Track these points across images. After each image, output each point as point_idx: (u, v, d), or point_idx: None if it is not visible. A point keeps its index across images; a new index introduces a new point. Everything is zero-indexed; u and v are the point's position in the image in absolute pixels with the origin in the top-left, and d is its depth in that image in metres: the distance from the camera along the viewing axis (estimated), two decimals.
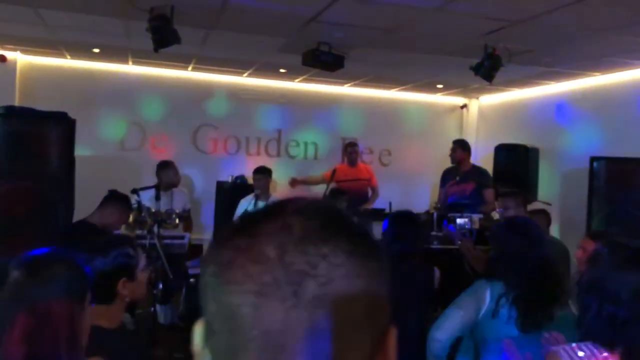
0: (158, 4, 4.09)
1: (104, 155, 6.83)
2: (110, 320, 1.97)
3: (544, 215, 5.13)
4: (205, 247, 6.74)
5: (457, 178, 6.04)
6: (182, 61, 6.54)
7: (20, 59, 6.63)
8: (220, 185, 6.89)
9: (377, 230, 3.61)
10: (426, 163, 7.76)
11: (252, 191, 5.90)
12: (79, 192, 5.42)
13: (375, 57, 5.56)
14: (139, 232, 4.79)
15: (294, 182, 7.05)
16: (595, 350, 1.59)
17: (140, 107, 7.07)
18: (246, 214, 0.61)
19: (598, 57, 5.20)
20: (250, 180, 6.33)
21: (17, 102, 6.56)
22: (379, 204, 6.84)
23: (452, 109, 8.37)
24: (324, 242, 0.55)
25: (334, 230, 0.57)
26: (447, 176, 6.27)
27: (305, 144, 7.76)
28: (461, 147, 6.15)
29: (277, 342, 0.53)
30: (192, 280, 5.30)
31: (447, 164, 6.39)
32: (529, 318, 2.48)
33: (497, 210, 4.62)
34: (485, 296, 2.54)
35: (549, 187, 6.33)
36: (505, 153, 6.39)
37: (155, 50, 4.15)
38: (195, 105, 7.22)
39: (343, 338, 0.53)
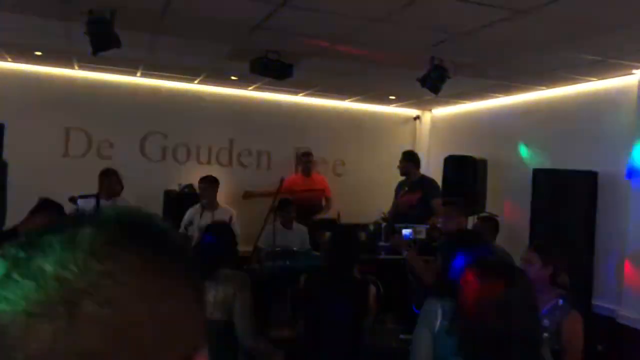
0: (98, 7, 3.96)
1: (46, 162, 6.58)
2: None
3: (492, 223, 5.20)
4: None
5: (406, 188, 6.09)
6: (129, 66, 6.38)
7: None
8: (167, 194, 6.74)
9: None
10: (379, 173, 7.77)
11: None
12: (18, 199, 5.20)
13: (324, 67, 5.53)
14: None
15: (246, 195, 6.96)
16: None
17: (86, 112, 6.85)
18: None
19: (542, 71, 5.30)
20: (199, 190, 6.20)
21: None
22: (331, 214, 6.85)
23: (406, 120, 8.43)
24: (111, 258, 0.49)
25: (125, 244, 0.50)
26: (399, 188, 6.35)
27: (258, 152, 7.67)
28: (408, 159, 6.23)
29: None
30: None
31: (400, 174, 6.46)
32: None
33: (439, 219, 4.64)
34: (437, 314, 2.46)
35: (496, 198, 6.41)
36: (454, 164, 6.45)
37: (94, 53, 4.01)
38: (144, 112, 7.05)
39: None
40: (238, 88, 7.28)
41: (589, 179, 4.81)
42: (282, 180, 5.43)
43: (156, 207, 6.80)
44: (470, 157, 6.32)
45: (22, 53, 6.09)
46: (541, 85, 5.96)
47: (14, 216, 4.91)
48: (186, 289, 0.53)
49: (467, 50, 4.65)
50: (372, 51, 4.87)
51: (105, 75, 6.84)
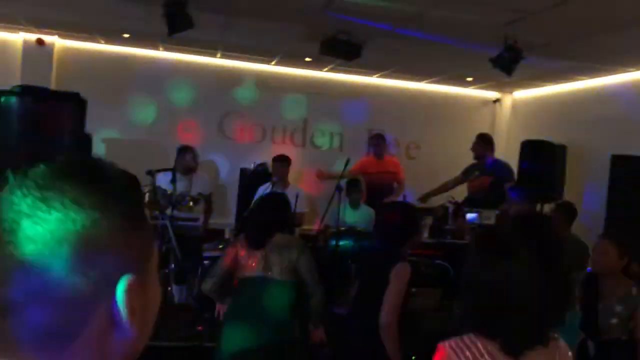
0: None
1: (133, 139, 7.03)
2: None
3: (568, 210, 5.00)
4: (227, 231, 6.89)
5: (477, 172, 5.96)
6: (209, 47, 6.65)
7: (57, 42, 6.88)
8: (243, 171, 7.00)
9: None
10: (455, 157, 7.59)
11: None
12: None
13: (394, 47, 5.51)
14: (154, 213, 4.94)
15: (319, 174, 7.01)
16: (476, 340, 1.59)
17: (171, 92, 7.22)
18: None
19: (624, 52, 4.99)
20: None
21: (53, 85, 6.83)
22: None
23: (484, 103, 8.20)
24: (48, 187, 0.58)
25: (65, 177, 0.60)
26: (469, 170, 6.22)
27: (331, 134, 7.77)
28: (482, 141, 6.07)
29: None
30: (206, 262, 5.41)
31: None
32: None
33: (504, 205, 4.54)
34: None
35: (575, 185, 6.14)
36: (531, 149, 6.21)
37: (169, 34, 4.25)
38: (223, 92, 7.33)
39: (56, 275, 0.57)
40: (313, 69, 7.37)
41: None
42: (347, 161, 5.47)
43: (233, 184, 7.10)
44: (548, 142, 6.07)
45: (113, 36, 6.51)
46: (628, 66, 5.61)
47: None
48: (114, 216, 0.61)
49: (541, 30, 4.48)
50: (443, 31, 4.79)
51: (187, 56, 7.17)
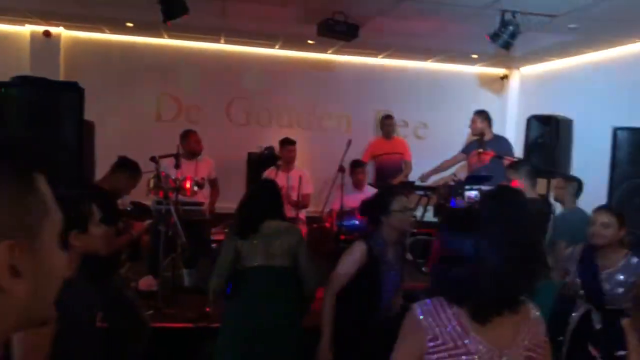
0: None
1: (141, 127, 7.13)
2: None
3: (573, 185, 4.96)
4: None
5: (477, 149, 5.98)
6: (212, 34, 6.70)
7: (64, 34, 6.99)
8: (250, 156, 7.06)
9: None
10: (463, 136, 7.59)
11: None
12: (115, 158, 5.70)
13: (393, 27, 5.48)
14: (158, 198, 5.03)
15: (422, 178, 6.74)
16: (445, 303, 1.64)
17: (176, 79, 7.30)
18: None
19: (632, 21, 4.90)
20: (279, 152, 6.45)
21: (61, 76, 6.96)
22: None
23: (492, 79, 8.12)
24: None
25: None
26: (469, 147, 6.23)
27: (338, 116, 7.77)
28: (481, 118, 6.08)
29: None
30: (213, 245, 5.50)
31: None
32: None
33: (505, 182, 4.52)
34: None
35: (583, 160, 6.08)
36: (537, 125, 6.16)
37: (164, 21, 4.29)
38: (229, 77, 7.38)
39: None
40: (317, 52, 7.37)
41: None
42: (349, 142, 5.50)
43: (240, 168, 7.17)
44: (554, 116, 6.01)
45: (116, 25, 6.59)
46: (634, 37, 5.51)
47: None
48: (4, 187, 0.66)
49: (540, 3, 4.42)
50: (439, 8, 4.76)
51: (192, 43, 7.23)
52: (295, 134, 7.16)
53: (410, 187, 6.54)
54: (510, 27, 4.64)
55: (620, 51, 5.96)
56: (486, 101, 7.87)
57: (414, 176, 6.95)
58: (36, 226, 0.70)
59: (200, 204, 5.31)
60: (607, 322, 3.10)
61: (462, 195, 4.66)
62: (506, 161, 5.62)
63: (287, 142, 6.22)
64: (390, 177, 6.80)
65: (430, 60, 7.67)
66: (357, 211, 3.73)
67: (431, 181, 6.57)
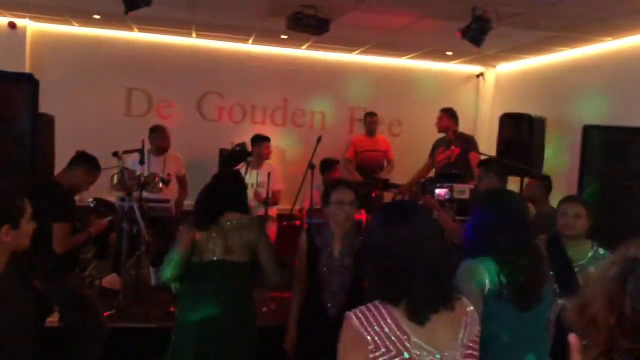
0: None
1: (110, 122, 6.96)
2: None
3: (544, 183, 4.96)
4: None
5: (443, 147, 5.98)
6: (183, 27, 6.56)
7: (30, 26, 6.80)
8: (222, 152, 6.93)
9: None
10: (438, 134, 7.54)
11: None
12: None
13: (365, 22, 5.40)
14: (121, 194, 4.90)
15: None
16: (380, 307, 1.57)
17: (147, 74, 7.15)
18: None
19: (602, 19, 4.87)
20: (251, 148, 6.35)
21: (27, 69, 6.76)
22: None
23: (468, 78, 8.08)
24: None
25: None
26: (435, 146, 6.22)
27: (312, 113, 7.68)
28: (447, 115, 6.07)
29: None
30: None
31: None
32: (526, 295, 2.23)
33: (477, 181, 4.48)
34: (484, 276, 2.23)
35: (557, 158, 6.07)
36: (510, 123, 6.13)
37: (126, 12, 4.16)
38: (201, 72, 7.24)
39: None
40: (291, 47, 7.27)
41: None
42: (319, 139, 5.42)
43: (212, 165, 7.02)
44: (527, 115, 5.98)
45: (84, 17, 6.41)
46: (606, 35, 5.49)
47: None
48: None
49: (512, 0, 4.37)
50: (409, 3, 4.68)
51: (163, 37, 7.08)
52: (269, 131, 7.08)
53: (385, 185, 6.48)
54: (482, 23, 4.58)
55: (595, 49, 5.94)
56: (461, 99, 7.86)
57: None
58: None
59: (167, 201, 5.18)
60: None
61: (432, 193, 4.58)
62: (472, 158, 5.60)
63: (262, 139, 6.12)
64: (371, 174, 6.76)
65: (405, 58, 7.61)
66: None
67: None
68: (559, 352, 2.83)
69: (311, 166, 5.30)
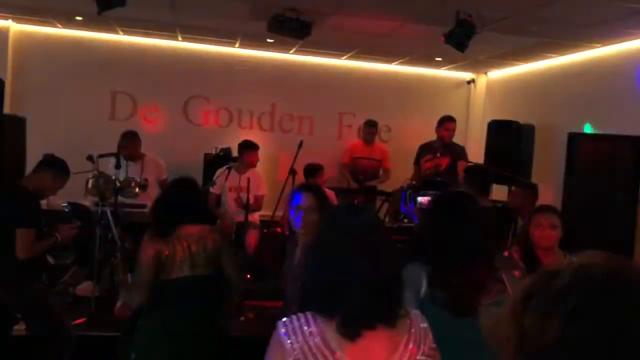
0: None
1: (94, 125, 6.84)
2: None
3: (530, 191, 4.86)
4: None
5: (429, 155, 5.86)
6: (167, 30, 6.46)
7: (13, 26, 6.70)
8: (206, 157, 6.83)
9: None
10: (427, 140, 7.44)
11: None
12: (70, 162, 5.43)
13: (349, 26, 5.30)
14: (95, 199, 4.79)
15: None
16: (310, 318, 1.48)
17: (132, 77, 7.04)
18: None
19: (590, 25, 4.78)
20: (236, 153, 6.24)
21: (9, 71, 6.67)
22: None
23: (458, 84, 7.98)
24: None
25: None
26: (422, 152, 6.08)
27: (300, 117, 7.57)
28: (454, 124, 5.98)
29: None
30: None
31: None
32: (460, 301, 2.20)
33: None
34: (421, 279, 2.23)
35: (545, 166, 5.96)
36: (497, 130, 6.04)
37: (98, 12, 4.06)
38: (187, 76, 7.14)
39: None
40: (278, 52, 7.17)
41: (633, 143, 4.29)
42: (300, 143, 5.32)
43: (197, 169, 6.90)
44: (514, 122, 5.90)
45: (66, 19, 6.31)
46: (594, 42, 5.40)
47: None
48: None
49: (496, 4, 4.26)
50: (392, 6, 4.58)
51: (148, 39, 6.98)
52: (256, 135, 6.97)
53: (371, 192, 6.38)
54: (466, 28, 4.48)
55: (581, 56, 5.85)
56: (451, 105, 7.73)
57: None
58: None
59: (143, 205, 5.06)
60: None
61: (414, 200, 4.47)
62: (460, 167, 5.49)
63: (250, 146, 5.97)
64: (365, 181, 6.63)
65: (395, 63, 7.51)
66: None
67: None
68: None
69: (292, 171, 5.19)
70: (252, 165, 5.92)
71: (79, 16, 6.05)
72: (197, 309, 3.03)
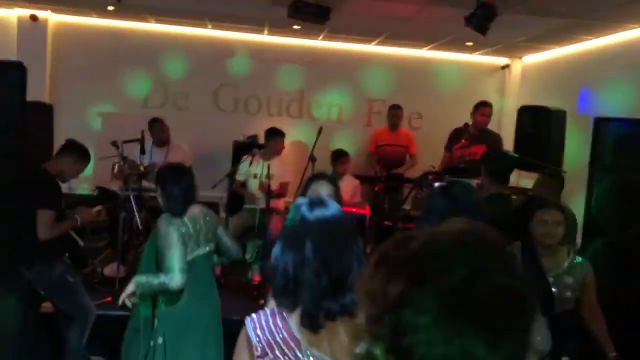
0: None
1: (128, 112, 7.05)
2: None
3: (556, 180, 4.71)
4: (220, 204, 6.82)
5: (464, 141, 5.70)
6: (196, 18, 6.57)
7: (51, 18, 6.94)
8: (235, 144, 6.92)
9: None
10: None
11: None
12: (104, 147, 5.63)
13: (365, 10, 5.25)
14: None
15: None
16: (276, 312, 1.51)
17: (164, 65, 7.20)
18: None
19: (621, 4, 4.57)
20: (262, 140, 6.29)
21: (48, 61, 6.94)
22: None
23: (493, 69, 7.79)
24: None
25: None
26: (454, 139, 5.94)
27: (329, 105, 7.56)
28: (490, 109, 5.84)
29: None
30: None
31: None
32: None
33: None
34: None
35: (578, 153, 5.76)
36: (528, 116, 5.85)
37: (118, 0, 4.15)
38: (217, 63, 7.24)
39: None
40: (307, 38, 7.17)
41: None
42: (320, 129, 5.32)
43: (226, 156, 7.02)
44: (545, 108, 5.69)
45: (101, 9, 6.50)
46: (630, 23, 5.16)
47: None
48: None
49: None
50: None
51: (179, 28, 7.10)
52: (285, 123, 7.03)
53: (396, 179, 6.32)
54: (486, 10, 4.36)
55: (618, 38, 5.60)
56: (485, 91, 7.55)
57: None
58: None
59: None
60: (554, 328, 2.86)
61: (429, 186, 4.42)
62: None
63: (277, 134, 5.99)
64: (392, 169, 6.59)
65: (426, 48, 7.39)
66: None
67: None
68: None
69: (312, 158, 5.20)
70: (278, 152, 5.95)
71: (111, 6, 6.21)
72: (212, 284, 3.22)
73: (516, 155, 5.10)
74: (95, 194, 5.21)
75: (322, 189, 2.92)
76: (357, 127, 7.50)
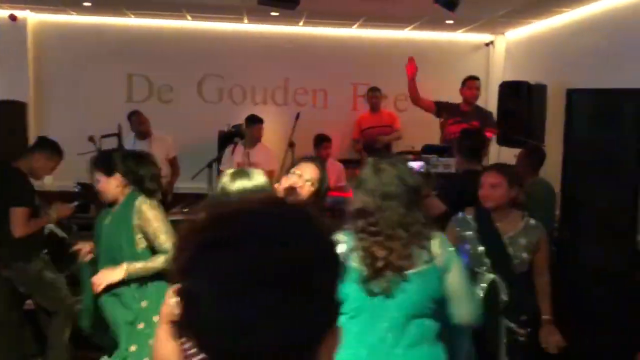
0: None
1: (112, 109, 7.04)
2: None
3: (535, 154, 4.73)
4: (209, 195, 6.85)
5: (459, 117, 5.70)
6: (174, 10, 6.55)
7: (30, 17, 6.95)
8: (220, 134, 6.93)
9: None
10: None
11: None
12: (87, 143, 5.66)
13: None
14: None
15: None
16: None
17: (146, 59, 7.20)
18: None
19: None
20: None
21: (30, 60, 6.96)
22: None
23: (476, 47, 7.73)
24: None
25: None
26: (450, 111, 5.94)
27: (314, 91, 7.54)
28: (478, 83, 5.97)
29: None
30: None
31: None
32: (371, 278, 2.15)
33: None
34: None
35: (558, 128, 5.72)
36: (508, 91, 5.82)
37: None
38: (199, 55, 7.23)
39: None
40: (287, 25, 7.14)
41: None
42: (297, 115, 5.32)
43: (211, 147, 7.02)
44: (525, 82, 5.66)
45: (77, 6, 6.49)
46: None
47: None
48: None
49: None
50: None
51: (159, 21, 7.10)
52: (270, 111, 7.05)
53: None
54: None
55: (596, 8, 5.54)
56: (470, 69, 7.46)
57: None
58: None
59: None
60: (513, 289, 2.88)
61: None
62: (487, 135, 5.36)
63: (254, 121, 6.03)
64: (377, 151, 6.60)
65: (407, 29, 7.34)
66: None
67: None
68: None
69: (291, 144, 5.21)
70: (258, 139, 5.97)
71: (87, 2, 6.21)
72: None
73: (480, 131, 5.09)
74: (77, 189, 5.24)
75: (306, 171, 2.83)
76: (344, 112, 7.48)
